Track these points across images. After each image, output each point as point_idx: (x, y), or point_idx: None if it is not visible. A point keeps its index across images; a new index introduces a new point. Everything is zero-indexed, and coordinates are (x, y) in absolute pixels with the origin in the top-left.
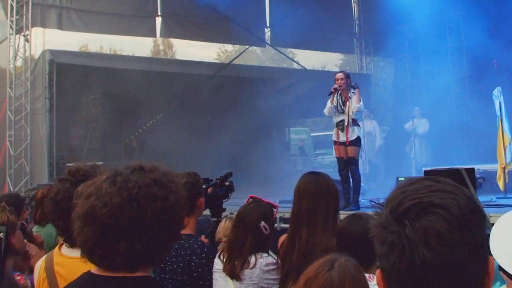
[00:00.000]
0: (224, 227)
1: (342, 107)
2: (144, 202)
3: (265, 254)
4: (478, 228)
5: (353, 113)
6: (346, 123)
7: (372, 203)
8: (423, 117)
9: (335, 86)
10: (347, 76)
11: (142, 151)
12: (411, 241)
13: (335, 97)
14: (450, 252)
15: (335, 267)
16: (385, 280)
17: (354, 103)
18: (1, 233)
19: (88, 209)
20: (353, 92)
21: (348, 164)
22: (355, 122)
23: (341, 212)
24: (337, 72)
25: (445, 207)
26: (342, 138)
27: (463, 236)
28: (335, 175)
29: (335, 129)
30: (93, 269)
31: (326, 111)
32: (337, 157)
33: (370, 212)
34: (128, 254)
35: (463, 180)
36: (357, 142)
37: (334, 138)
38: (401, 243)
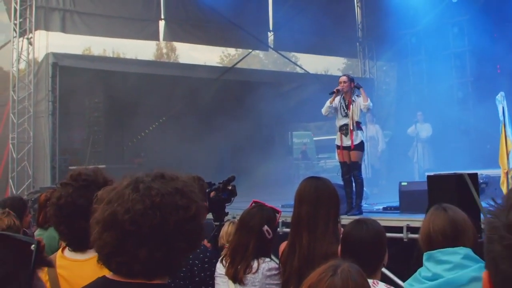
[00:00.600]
0: (227, 232)
1: (346, 111)
2: (166, 211)
3: (267, 259)
4: None
5: (358, 115)
6: (350, 127)
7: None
8: (426, 121)
9: (339, 87)
10: (351, 79)
11: (142, 164)
12: None
13: (338, 100)
14: None
15: (338, 273)
16: (495, 285)
17: (362, 102)
18: (33, 246)
19: (110, 214)
20: (357, 95)
21: (351, 169)
22: (358, 126)
23: (343, 217)
24: (340, 76)
25: None
26: (346, 142)
27: None
28: (337, 180)
29: (338, 133)
30: (107, 273)
31: (323, 109)
32: (340, 162)
33: (373, 217)
34: (148, 262)
35: (466, 186)
36: (360, 146)
37: (337, 142)
38: None
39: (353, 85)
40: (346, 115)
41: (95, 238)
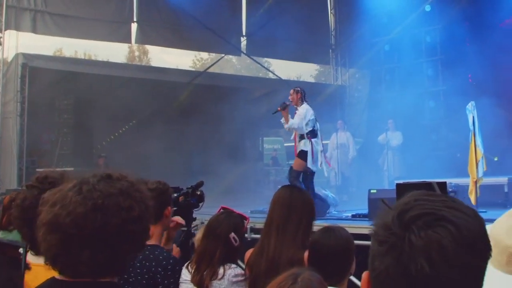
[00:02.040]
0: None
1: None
2: (108, 213)
3: (233, 265)
4: (483, 257)
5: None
6: (294, 136)
7: (383, 201)
8: (397, 129)
9: (286, 102)
10: (297, 91)
11: (107, 163)
12: (413, 248)
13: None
14: (449, 270)
15: (299, 281)
16: (371, 282)
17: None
18: (21, 249)
19: (52, 217)
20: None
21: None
22: (302, 136)
23: None
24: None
25: (457, 225)
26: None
27: (466, 259)
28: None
29: None
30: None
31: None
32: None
33: (341, 224)
34: (91, 264)
35: None
36: (301, 154)
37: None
38: (402, 247)
39: (299, 96)
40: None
41: (41, 240)
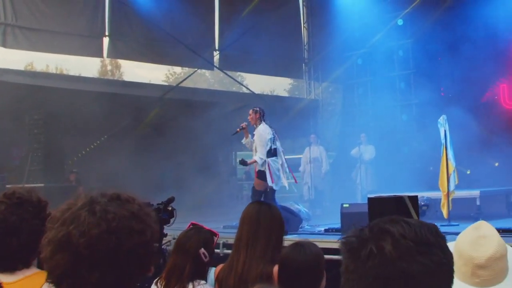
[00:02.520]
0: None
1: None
2: (122, 235)
3: (202, 281)
4: (434, 255)
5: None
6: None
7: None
8: (370, 143)
9: (243, 124)
10: (255, 111)
11: (79, 179)
12: (366, 236)
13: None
14: (398, 259)
15: None
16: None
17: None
18: None
19: (64, 236)
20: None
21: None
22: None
23: None
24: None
25: (409, 223)
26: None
27: (416, 250)
28: (284, 201)
29: None
30: None
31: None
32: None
33: (314, 238)
34: (99, 285)
35: (406, 208)
36: (259, 174)
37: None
38: (357, 239)
39: (258, 116)
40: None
41: (46, 258)
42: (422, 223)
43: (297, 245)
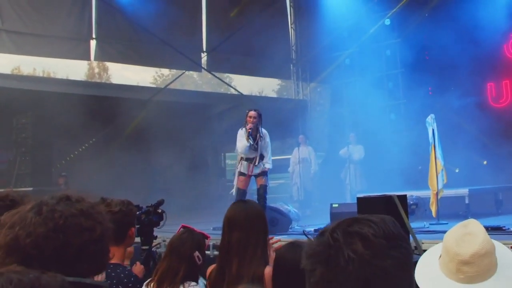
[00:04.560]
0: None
1: (256, 146)
2: (70, 233)
3: (193, 283)
4: (402, 247)
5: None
6: (257, 160)
7: (304, 231)
8: (358, 143)
9: (250, 126)
10: (259, 115)
11: (67, 183)
12: (337, 242)
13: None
14: (373, 258)
15: None
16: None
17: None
18: None
19: (12, 239)
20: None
21: (258, 191)
22: (262, 158)
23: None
24: (251, 110)
25: (374, 222)
26: (256, 171)
27: (387, 246)
28: (272, 201)
29: (245, 163)
30: None
31: (242, 149)
32: (238, 188)
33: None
34: (51, 286)
35: (395, 207)
36: (267, 172)
37: (243, 170)
38: (329, 247)
39: (260, 120)
40: (256, 149)
41: None
42: (383, 218)
43: (293, 244)
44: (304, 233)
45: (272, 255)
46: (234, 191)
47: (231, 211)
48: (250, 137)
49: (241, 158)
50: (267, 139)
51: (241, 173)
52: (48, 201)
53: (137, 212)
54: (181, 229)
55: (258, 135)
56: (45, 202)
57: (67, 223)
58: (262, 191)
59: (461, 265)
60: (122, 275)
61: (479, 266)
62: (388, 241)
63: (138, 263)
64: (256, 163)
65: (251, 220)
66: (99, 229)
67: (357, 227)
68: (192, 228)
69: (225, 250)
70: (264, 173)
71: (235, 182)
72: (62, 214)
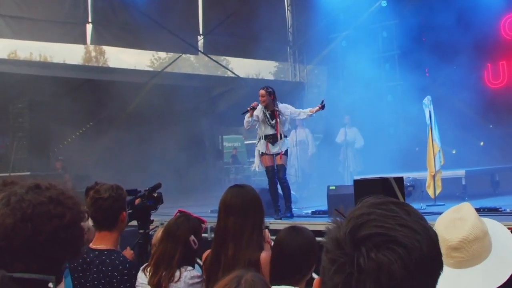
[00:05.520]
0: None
1: (272, 122)
2: (38, 221)
3: (189, 267)
4: (432, 278)
5: (284, 126)
6: (278, 137)
7: (336, 211)
8: (353, 125)
9: (254, 104)
10: (269, 93)
11: (65, 167)
12: (361, 272)
13: (260, 111)
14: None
15: (242, 283)
16: None
17: (307, 112)
18: (51, 283)
19: None
20: (278, 104)
21: (277, 172)
22: (281, 138)
23: (272, 221)
24: (260, 89)
25: (408, 248)
26: (273, 150)
27: (415, 283)
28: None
29: (263, 141)
30: None
31: (245, 124)
32: (266, 167)
33: (302, 221)
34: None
35: (392, 189)
36: (286, 152)
37: (261, 149)
38: (351, 270)
39: (273, 97)
40: (272, 126)
41: None
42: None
43: (293, 229)
44: (337, 211)
45: (267, 245)
46: (254, 167)
47: (227, 195)
48: (266, 115)
49: (260, 138)
50: (287, 112)
51: (262, 153)
52: (17, 191)
53: (132, 197)
54: (178, 213)
55: (275, 111)
56: (13, 193)
57: (35, 212)
58: (280, 171)
59: (450, 251)
60: (117, 261)
61: (468, 251)
62: (416, 277)
63: (128, 248)
64: (275, 142)
65: (247, 204)
66: (69, 215)
67: (388, 255)
68: (189, 212)
69: (221, 235)
70: (284, 153)
71: (255, 161)
72: (30, 203)
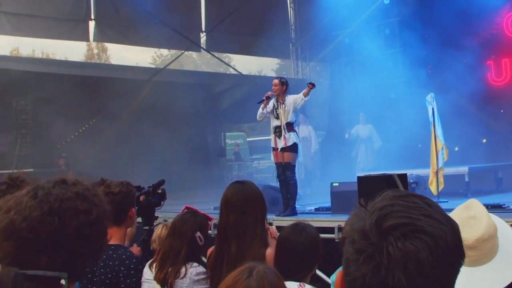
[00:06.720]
0: (160, 236)
1: (277, 113)
2: (65, 216)
3: (195, 264)
4: (455, 267)
5: (288, 117)
6: (282, 130)
7: (359, 203)
8: (368, 122)
9: (268, 93)
10: (282, 82)
11: (68, 164)
12: (390, 260)
13: (272, 103)
14: (425, 282)
15: (254, 274)
16: (345, 285)
17: (303, 96)
18: (63, 280)
19: (8, 223)
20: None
21: (284, 170)
22: (290, 128)
23: (276, 218)
24: (274, 78)
25: (434, 237)
26: (280, 144)
27: (441, 271)
28: (272, 180)
29: (272, 135)
30: None
31: (258, 115)
32: (275, 163)
33: (305, 218)
34: (49, 269)
35: (396, 186)
36: (293, 148)
37: (272, 144)
38: (380, 259)
39: (285, 88)
40: (278, 117)
41: None
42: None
43: (297, 226)
44: (359, 203)
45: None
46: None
47: (228, 192)
48: (275, 102)
49: (271, 132)
50: (291, 99)
51: (272, 147)
52: (44, 185)
53: (137, 193)
54: (185, 210)
55: (281, 102)
56: (41, 186)
57: (62, 206)
58: (286, 169)
59: (465, 250)
60: (123, 256)
61: (483, 250)
62: (442, 264)
63: (135, 245)
64: (280, 135)
65: (248, 201)
66: (95, 212)
67: (416, 244)
68: (196, 209)
69: (223, 233)
70: (290, 148)
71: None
72: (57, 197)
